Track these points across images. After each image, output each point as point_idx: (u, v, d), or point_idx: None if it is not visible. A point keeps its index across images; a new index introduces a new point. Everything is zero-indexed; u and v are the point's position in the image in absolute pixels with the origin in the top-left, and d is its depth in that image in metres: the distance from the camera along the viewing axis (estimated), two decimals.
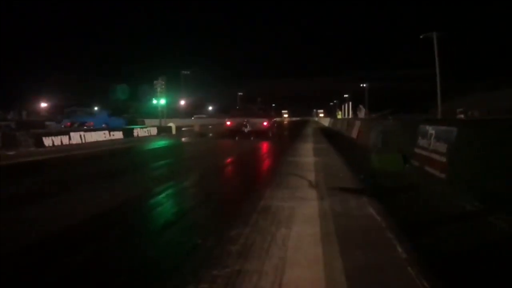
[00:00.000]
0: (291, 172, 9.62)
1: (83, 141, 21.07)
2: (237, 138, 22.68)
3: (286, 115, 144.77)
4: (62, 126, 30.30)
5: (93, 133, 22.59)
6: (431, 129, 8.63)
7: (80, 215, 5.67)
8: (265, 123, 23.66)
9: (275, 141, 22.34)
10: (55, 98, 64.21)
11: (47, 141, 18.61)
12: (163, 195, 7.21)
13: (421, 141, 9.12)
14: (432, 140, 8.38)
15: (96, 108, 70.81)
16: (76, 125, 31.00)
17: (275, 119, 29.89)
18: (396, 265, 3.64)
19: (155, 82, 35.16)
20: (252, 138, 22.45)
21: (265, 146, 19.83)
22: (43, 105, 61.12)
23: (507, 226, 4.68)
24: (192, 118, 67.03)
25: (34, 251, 4.23)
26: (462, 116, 49.54)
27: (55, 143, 19.01)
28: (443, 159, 7.53)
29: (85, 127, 25.80)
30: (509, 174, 5.22)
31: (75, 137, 20.66)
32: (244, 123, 23.22)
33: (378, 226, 4.90)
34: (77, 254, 4.06)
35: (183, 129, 37.28)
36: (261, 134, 22.96)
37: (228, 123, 24.85)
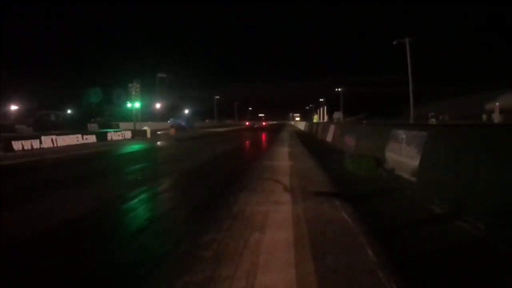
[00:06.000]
0: (266, 176, 9.64)
1: (55, 145, 20.58)
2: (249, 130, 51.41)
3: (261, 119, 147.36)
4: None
5: (65, 137, 22.07)
6: (402, 134, 8.82)
7: (47, 222, 5.54)
8: (264, 124, 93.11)
9: (257, 142, 24.32)
10: (26, 102, 62.42)
11: (17, 145, 18.10)
12: (135, 200, 7.11)
13: (393, 145, 9.31)
14: (404, 144, 8.56)
15: (69, 111, 69.39)
16: (174, 125, 47.49)
17: (272, 122, 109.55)
18: (367, 268, 3.70)
19: (129, 85, 34.67)
20: (258, 130, 51.85)
21: (242, 149, 19.94)
22: (13, 108, 59.21)
23: (474, 229, 4.83)
24: (168, 121, 66.29)
25: None
26: (433, 120, 50.79)
27: (25, 147, 18.50)
28: (414, 163, 7.69)
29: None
30: (476, 179, 5.38)
31: (47, 141, 20.15)
32: (254, 123, 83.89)
33: (350, 230, 4.96)
34: (43, 262, 3.96)
35: (158, 132, 36.98)
36: (262, 128, 56.75)
37: (247, 123, 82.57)
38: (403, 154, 8.46)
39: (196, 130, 49.80)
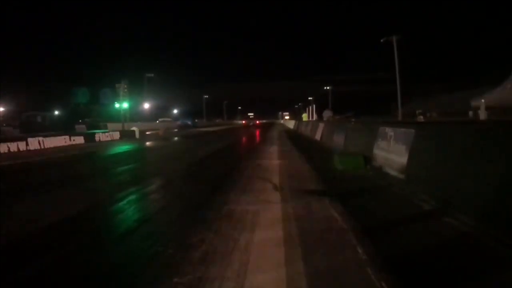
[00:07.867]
0: (256, 175, 9.63)
1: (42, 147, 20.33)
2: (246, 128, 63.95)
3: (253, 118, 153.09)
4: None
5: (52, 138, 21.79)
6: (390, 131, 8.87)
7: (33, 224, 5.45)
8: (257, 122, 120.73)
9: (247, 142, 24.17)
10: (12, 103, 61.54)
11: (2, 147, 17.83)
12: (123, 202, 7.03)
13: (381, 143, 9.36)
14: (392, 142, 8.61)
15: (56, 112, 68.69)
16: (181, 125, 57.22)
17: (262, 121, 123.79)
18: (356, 266, 3.71)
19: (117, 85, 34.42)
20: (252, 127, 69.58)
21: (230, 149, 19.91)
22: (0, 109, 58.30)
23: (463, 225, 4.87)
24: (157, 121, 65.99)
25: None
26: (421, 117, 51.24)
27: (11, 150, 18.24)
28: (402, 160, 7.75)
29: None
30: (464, 175, 5.44)
31: (33, 143, 19.89)
32: (250, 122, 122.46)
33: (340, 228, 4.98)
34: (30, 264, 3.90)
35: (147, 133, 36.72)
36: (256, 126, 77.34)
37: (244, 122, 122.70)
38: (391, 152, 8.52)
39: (189, 130, 50.40)
